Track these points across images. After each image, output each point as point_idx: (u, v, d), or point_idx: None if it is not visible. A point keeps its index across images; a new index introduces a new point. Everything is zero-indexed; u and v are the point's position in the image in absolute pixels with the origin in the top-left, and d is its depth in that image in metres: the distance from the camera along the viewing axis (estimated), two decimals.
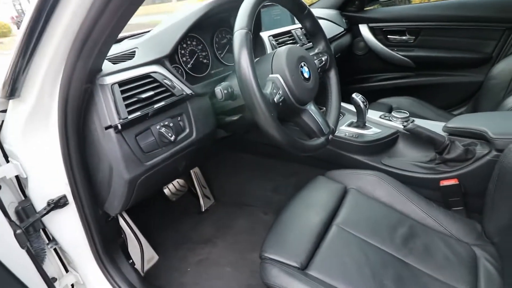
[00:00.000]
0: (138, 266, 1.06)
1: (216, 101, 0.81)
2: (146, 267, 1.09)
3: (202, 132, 0.76)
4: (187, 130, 0.73)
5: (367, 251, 0.78)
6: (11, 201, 0.71)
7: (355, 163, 1.08)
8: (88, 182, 0.68)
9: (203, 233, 1.24)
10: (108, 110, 0.60)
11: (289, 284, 0.67)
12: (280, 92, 0.66)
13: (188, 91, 0.74)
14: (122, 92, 0.62)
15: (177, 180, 1.32)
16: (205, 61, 0.88)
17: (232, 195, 1.40)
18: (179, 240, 1.21)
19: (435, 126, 1.01)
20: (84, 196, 0.71)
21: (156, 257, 1.14)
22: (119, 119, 0.61)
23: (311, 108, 0.77)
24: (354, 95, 1.08)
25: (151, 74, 0.68)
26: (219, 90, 0.68)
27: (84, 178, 0.67)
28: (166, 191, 1.28)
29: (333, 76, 0.87)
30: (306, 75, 0.73)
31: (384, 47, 1.71)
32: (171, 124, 0.69)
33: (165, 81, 0.69)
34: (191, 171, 1.36)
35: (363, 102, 1.08)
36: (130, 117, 0.62)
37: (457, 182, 0.90)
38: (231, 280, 1.02)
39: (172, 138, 0.66)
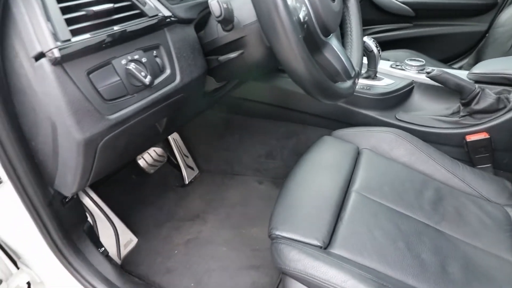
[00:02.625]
0: (113, 253, 0.87)
1: (205, 33, 0.59)
2: (124, 253, 0.91)
3: (189, 75, 0.54)
4: (168, 71, 0.51)
5: (397, 220, 0.65)
6: None
7: (365, 120, 0.93)
8: (25, 149, 0.46)
9: (190, 208, 1.06)
10: (36, 28, 0.37)
11: (315, 269, 0.53)
12: (304, 9, 0.47)
13: (167, 13, 0.51)
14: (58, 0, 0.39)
15: (153, 149, 1.11)
16: None
17: (219, 164, 1.22)
18: (161, 218, 1.03)
19: (457, 74, 0.88)
20: (23, 171, 0.49)
21: (134, 240, 0.96)
22: (56, 41, 0.38)
23: (334, 42, 0.58)
24: (366, 39, 0.90)
25: None
26: (216, 2, 0.47)
27: (17, 142, 0.45)
28: (141, 162, 1.07)
29: (353, 4, 0.68)
30: None
31: None
32: (143, 60, 0.47)
33: None
34: (169, 137, 1.14)
35: (376, 47, 0.90)
36: (75, 39, 0.39)
37: (487, 136, 0.79)
38: (229, 261, 0.88)
39: (147, 80, 0.45)
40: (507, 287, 0.56)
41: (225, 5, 0.47)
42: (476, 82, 0.84)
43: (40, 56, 0.38)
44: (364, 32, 1.83)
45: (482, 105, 0.79)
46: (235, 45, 0.58)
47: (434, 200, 0.72)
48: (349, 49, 0.68)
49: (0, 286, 0.68)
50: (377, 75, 0.97)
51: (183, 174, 1.17)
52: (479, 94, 0.79)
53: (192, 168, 1.21)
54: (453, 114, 0.86)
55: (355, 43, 0.67)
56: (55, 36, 0.38)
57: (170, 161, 1.17)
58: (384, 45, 1.56)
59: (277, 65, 0.67)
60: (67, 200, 0.60)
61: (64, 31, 0.38)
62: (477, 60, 1.43)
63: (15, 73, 0.40)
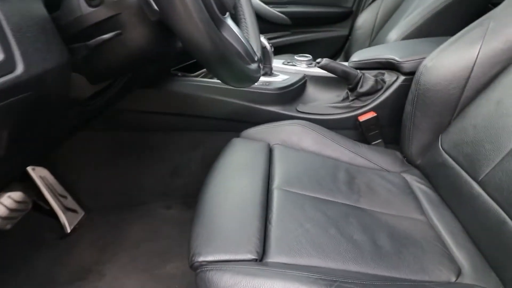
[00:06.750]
0: None
1: (63, 10, 0.43)
2: None
3: (40, 64, 0.36)
4: (1, 56, 0.33)
5: (323, 208, 0.62)
6: None
7: (270, 116, 0.91)
8: None
9: (77, 264, 0.80)
10: None
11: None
12: None
13: None
14: None
15: (7, 194, 0.79)
16: None
17: (112, 197, 0.98)
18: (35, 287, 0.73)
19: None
20: None
21: None
22: None
23: (231, 23, 0.51)
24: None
25: None
26: None
27: None
28: None
29: None
30: None
31: (261, 3, 1.60)
32: None
33: None
34: (33, 175, 0.85)
35: (269, 44, 0.91)
36: None
37: (375, 114, 0.87)
38: None
39: None
40: (424, 242, 0.59)
41: None
42: (357, 69, 0.93)
43: None
44: None
45: (365, 87, 0.87)
46: (108, 25, 0.44)
47: (348, 180, 0.73)
48: (245, 35, 0.62)
49: None
50: (273, 71, 0.98)
51: (62, 221, 0.89)
52: (361, 79, 0.87)
53: (74, 211, 0.93)
54: (344, 100, 0.93)
55: (250, 29, 0.63)
56: None
57: (37, 208, 0.87)
58: None
59: (168, 50, 0.56)
60: None
61: None
62: (346, 59, 1.65)
63: None
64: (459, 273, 0.54)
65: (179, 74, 0.93)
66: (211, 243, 0.50)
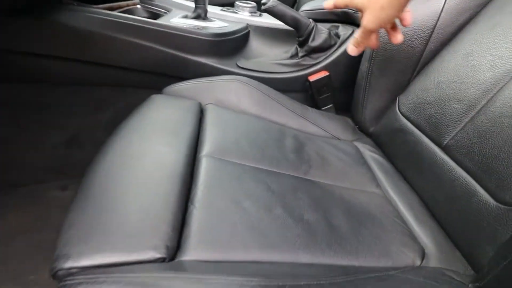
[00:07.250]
0: None
1: None
2: None
3: None
4: None
5: (266, 180, 0.48)
6: None
7: (203, 70, 0.72)
8: None
9: None
10: None
11: None
12: None
13: None
14: None
15: None
16: None
17: None
18: None
19: None
20: None
21: None
22: None
23: None
24: None
25: None
26: None
27: None
28: None
29: None
30: None
31: None
32: None
33: None
34: None
35: None
36: None
37: (327, 74, 0.75)
38: None
39: None
40: (384, 218, 0.50)
41: None
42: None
43: None
44: None
45: (318, 41, 0.74)
46: None
47: (296, 148, 0.60)
48: None
49: None
50: (208, 16, 0.78)
51: None
52: (313, 30, 0.73)
53: None
54: (292, 56, 0.78)
55: None
56: None
57: None
58: None
59: None
60: None
61: None
62: None
63: None
64: (423, 254, 0.45)
65: (75, 4, 0.67)
66: (90, 238, 0.31)
